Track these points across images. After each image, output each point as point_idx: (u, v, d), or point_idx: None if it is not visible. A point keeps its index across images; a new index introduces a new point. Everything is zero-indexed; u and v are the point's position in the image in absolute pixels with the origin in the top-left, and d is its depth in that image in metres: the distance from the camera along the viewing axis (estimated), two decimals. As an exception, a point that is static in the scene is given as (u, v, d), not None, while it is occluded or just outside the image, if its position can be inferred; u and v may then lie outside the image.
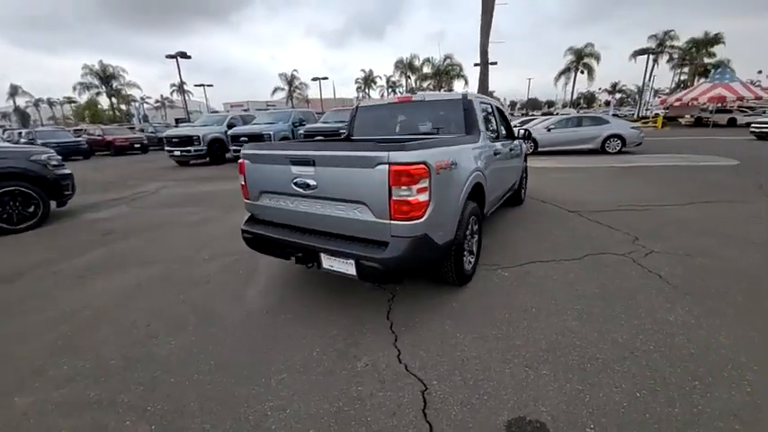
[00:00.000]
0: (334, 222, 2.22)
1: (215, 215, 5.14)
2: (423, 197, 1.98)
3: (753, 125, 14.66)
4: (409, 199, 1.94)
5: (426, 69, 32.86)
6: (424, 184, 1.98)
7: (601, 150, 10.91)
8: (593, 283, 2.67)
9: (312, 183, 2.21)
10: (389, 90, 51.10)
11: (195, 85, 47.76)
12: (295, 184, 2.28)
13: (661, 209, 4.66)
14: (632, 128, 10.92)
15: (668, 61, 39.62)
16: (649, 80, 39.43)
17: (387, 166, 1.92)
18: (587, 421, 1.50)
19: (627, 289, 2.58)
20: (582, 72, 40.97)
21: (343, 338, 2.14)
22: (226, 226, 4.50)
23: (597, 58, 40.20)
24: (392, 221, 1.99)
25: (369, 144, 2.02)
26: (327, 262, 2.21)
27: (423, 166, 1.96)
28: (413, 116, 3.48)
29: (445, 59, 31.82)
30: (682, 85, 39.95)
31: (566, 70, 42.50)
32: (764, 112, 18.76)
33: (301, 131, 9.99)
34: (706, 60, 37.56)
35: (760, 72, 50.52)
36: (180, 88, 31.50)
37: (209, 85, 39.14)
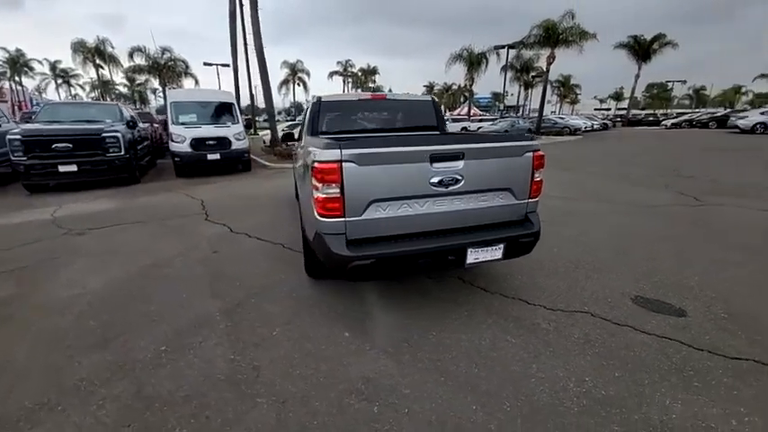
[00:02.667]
0: (477, 214, 2.20)
1: None
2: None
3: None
4: (540, 179, 2.35)
5: (140, 60, 25.78)
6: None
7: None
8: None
9: (459, 177, 2.07)
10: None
11: None
12: (434, 182, 2.02)
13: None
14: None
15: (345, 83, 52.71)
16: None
17: (531, 153, 2.23)
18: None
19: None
20: (299, 85, 46.75)
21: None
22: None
23: (308, 73, 47.11)
24: (529, 200, 2.32)
25: (509, 135, 2.21)
26: (473, 255, 2.17)
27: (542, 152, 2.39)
28: (386, 113, 3.54)
29: (164, 52, 26.35)
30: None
31: (285, 81, 46.86)
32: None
33: (16, 136, 5.92)
34: (371, 85, 53.36)
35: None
36: None
37: None
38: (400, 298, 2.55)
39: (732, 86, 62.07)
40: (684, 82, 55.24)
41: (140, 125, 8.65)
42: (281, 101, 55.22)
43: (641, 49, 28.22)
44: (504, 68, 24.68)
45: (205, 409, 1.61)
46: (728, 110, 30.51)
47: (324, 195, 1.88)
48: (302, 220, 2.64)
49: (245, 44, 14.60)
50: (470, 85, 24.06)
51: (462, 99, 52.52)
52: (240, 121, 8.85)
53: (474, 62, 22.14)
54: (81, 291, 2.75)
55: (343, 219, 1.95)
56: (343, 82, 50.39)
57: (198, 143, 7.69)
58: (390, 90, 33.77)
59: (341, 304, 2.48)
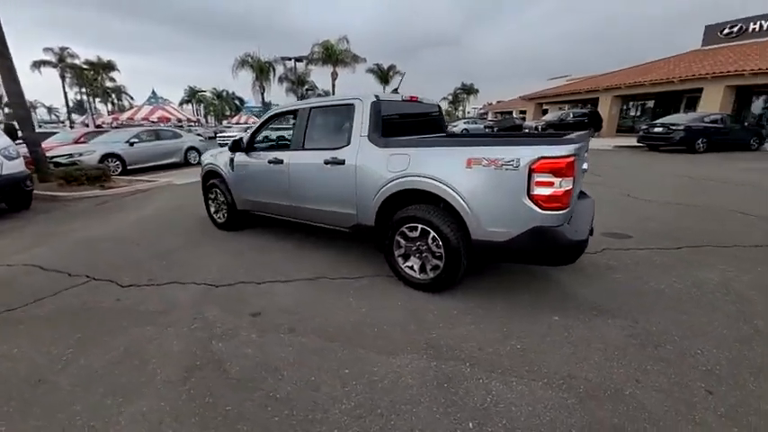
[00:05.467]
0: None
1: None
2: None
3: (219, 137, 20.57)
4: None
5: None
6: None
7: (184, 163, 11.30)
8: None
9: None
10: None
11: None
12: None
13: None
14: (201, 140, 12.20)
15: (64, 78, 38.60)
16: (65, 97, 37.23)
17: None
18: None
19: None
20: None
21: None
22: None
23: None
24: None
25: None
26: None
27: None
28: (416, 114, 3.65)
29: None
30: (83, 104, 42.18)
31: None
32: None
33: None
34: (110, 84, 41.41)
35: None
36: None
37: None
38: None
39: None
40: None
41: None
42: None
43: (383, 74, 36.54)
44: (284, 80, 25.76)
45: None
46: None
47: (563, 189, 2.10)
48: (450, 229, 2.45)
49: None
50: (263, 93, 23.58)
51: (234, 107, 49.83)
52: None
53: (264, 70, 21.88)
54: None
55: (569, 209, 2.22)
56: (62, 78, 35.92)
57: None
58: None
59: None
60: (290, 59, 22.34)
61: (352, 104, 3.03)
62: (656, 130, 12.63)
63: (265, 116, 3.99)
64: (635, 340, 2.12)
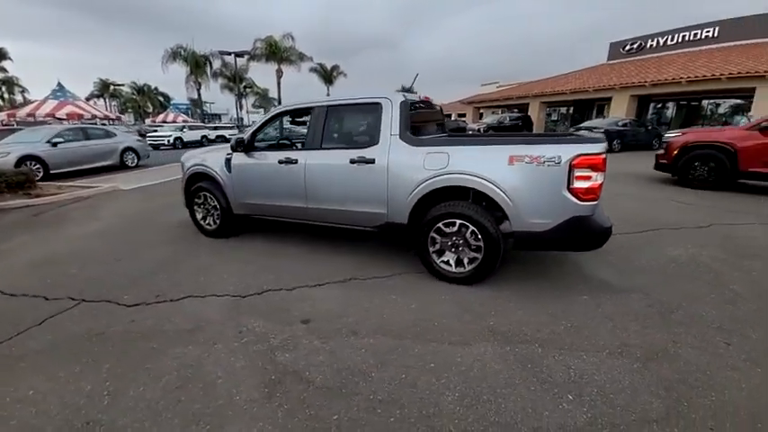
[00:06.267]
0: None
1: None
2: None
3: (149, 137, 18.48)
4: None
5: None
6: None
7: (120, 166, 9.96)
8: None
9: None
10: None
11: None
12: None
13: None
14: (138, 140, 10.81)
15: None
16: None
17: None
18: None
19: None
20: None
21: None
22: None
23: None
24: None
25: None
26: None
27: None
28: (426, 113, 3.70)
29: None
30: None
31: None
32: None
33: None
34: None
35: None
36: None
37: None
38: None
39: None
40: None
41: None
42: None
43: (327, 74, 36.04)
44: (219, 75, 23.91)
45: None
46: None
47: (599, 182, 2.40)
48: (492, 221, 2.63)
49: None
50: (198, 89, 21.59)
51: (158, 104, 45.05)
52: None
53: (201, 64, 20.07)
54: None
55: (599, 200, 2.52)
56: None
57: None
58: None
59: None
60: (229, 54, 20.74)
61: (379, 103, 3.03)
62: (581, 133, 14.49)
63: (270, 114, 3.75)
64: (654, 309, 2.49)
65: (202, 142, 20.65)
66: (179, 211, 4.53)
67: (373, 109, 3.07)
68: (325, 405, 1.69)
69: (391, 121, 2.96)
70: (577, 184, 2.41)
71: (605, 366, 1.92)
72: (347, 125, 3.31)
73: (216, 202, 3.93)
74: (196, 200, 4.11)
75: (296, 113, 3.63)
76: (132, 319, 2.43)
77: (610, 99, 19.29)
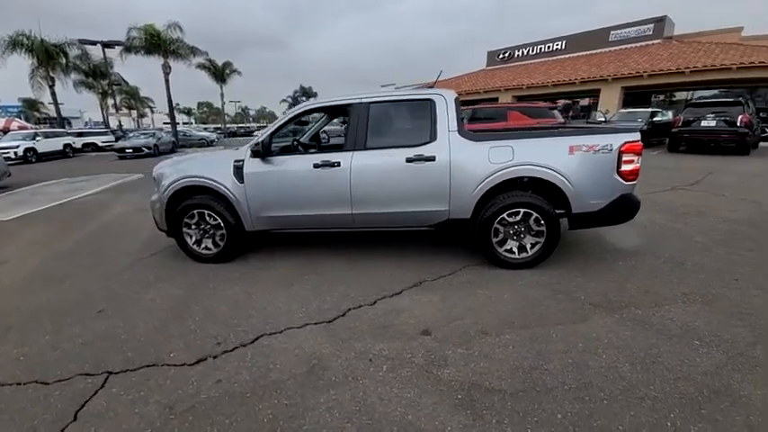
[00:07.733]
0: None
1: None
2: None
3: None
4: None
5: None
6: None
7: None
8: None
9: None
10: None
11: None
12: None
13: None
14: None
15: None
16: None
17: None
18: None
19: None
20: None
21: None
22: None
23: None
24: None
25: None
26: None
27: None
28: None
29: None
30: None
31: None
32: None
33: None
34: None
35: None
36: None
37: None
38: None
39: (261, 107, 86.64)
40: (239, 102, 67.87)
41: None
42: None
43: (218, 72, 32.44)
44: (72, 69, 19.14)
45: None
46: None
47: (638, 165, 2.80)
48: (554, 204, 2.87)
49: None
50: (51, 86, 16.72)
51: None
52: None
53: (53, 55, 15.61)
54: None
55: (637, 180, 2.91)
56: None
57: None
58: None
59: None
60: (94, 44, 16.54)
61: (432, 100, 2.97)
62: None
63: (293, 112, 3.25)
64: (668, 264, 3.09)
65: (66, 152, 16.26)
66: (133, 234, 3.55)
67: (424, 106, 2.99)
68: (537, 407, 1.63)
69: (448, 117, 2.93)
70: (625, 167, 2.83)
71: (689, 313, 2.34)
72: (396, 123, 3.14)
73: (219, 220, 3.24)
74: (186, 220, 3.31)
75: (329, 111, 3.25)
76: (219, 380, 1.87)
77: (497, 99, 22.43)
